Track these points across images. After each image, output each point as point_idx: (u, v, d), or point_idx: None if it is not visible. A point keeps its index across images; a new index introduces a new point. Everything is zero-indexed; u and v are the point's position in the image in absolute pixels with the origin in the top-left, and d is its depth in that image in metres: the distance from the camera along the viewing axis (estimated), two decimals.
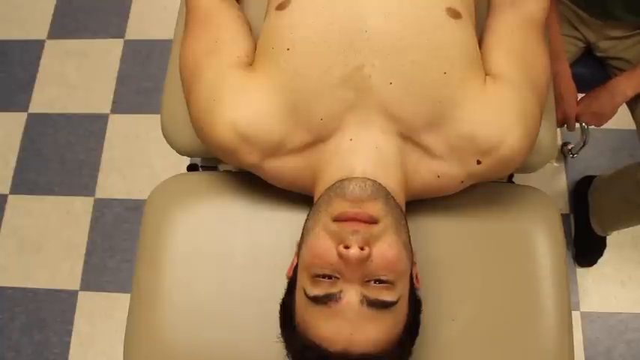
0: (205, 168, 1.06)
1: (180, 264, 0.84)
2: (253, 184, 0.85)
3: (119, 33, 1.83)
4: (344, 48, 0.72)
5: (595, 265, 1.50)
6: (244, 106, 0.75)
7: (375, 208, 0.67)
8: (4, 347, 1.51)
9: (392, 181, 0.73)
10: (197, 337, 0.81)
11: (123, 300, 1.52)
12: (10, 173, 1.69)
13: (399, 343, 0.67)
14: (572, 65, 1.16)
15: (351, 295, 0.64)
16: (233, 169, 0.92)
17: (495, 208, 0.86)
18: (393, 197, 0.71)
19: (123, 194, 1.64)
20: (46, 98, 1.77)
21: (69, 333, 1.51)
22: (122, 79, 1.77)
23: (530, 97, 0.77)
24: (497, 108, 0.74)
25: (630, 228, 1.53)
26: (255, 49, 0.82)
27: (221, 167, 1.04)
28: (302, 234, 0.72)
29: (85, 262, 1.57)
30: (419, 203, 0.81)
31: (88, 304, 1.53)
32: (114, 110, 1.74)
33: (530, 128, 0.75)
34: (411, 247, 0.72)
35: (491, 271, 0.83)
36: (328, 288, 0.64)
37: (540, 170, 0.91)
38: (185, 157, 0.98)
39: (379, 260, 0.65)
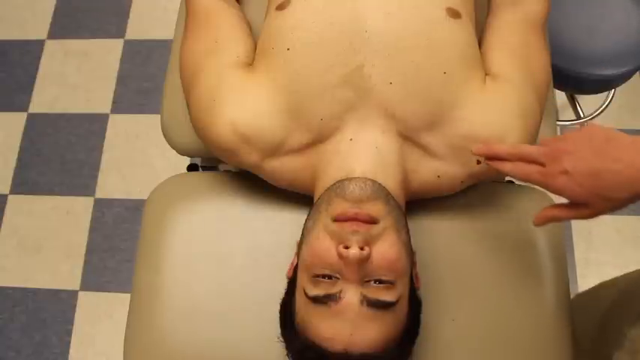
0: (205, 168, 1.06)
1: (180, 264, 0.84)
2: (253, 184, 0.85)
3: (119, 33, 1.83)
4: (344, 48, 0.72)
5: (595, 266, 1.50)
6: (244, 106, 0.75)
7: (375, 208, 0.67)
8: (4, 347, 1.51)
9: (392, 181, 0.73)
10: (197, 337, 0.81)
11: (123, 300, 1.51)
12: (10, 173, 1.69)
13: (399, 343, 0.67)
14: None
15: (351, 295, 0.64)
16: (233, 169, 0.92)
17: (495, 208, 0.86)
18: (393, 197, 0.71)
19: (123, 194, 1.64)
20: (46, 98, 1.77)
21: (69, 333, 1.51)
22: (122, 79, 1.77)
23: (531, 96, 0.77)
24: (497, 108, 0.74)
25: (631, 228, 1.53)
26: (255, 49, 0.82)
27: (221, 167, 1.04)
28: (302, 234, 0.72)
29: (85, 262, 1.57)
30: (419, 203, 0.81)
31: (88, 304, 1.53)
32: (114, 110, 1.74)
33: (530, 128, 0.75)
34: (411, 247, 0.72)
35: (491, 271, 0.83)
36: (328, 288, 0.64)
37: None
38: (185, 157, 0.98)
39: (379, 260, 0.65)
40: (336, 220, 0.66)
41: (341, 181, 0.70)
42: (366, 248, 0.63)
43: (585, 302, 0.99)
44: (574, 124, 1.46)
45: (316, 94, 0.73)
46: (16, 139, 1.73)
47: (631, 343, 0.72)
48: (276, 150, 0.75)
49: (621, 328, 0.78)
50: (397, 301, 0.65)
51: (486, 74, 0.78)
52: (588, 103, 1.45)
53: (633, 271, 0.88)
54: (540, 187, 0.64)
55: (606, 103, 1.43)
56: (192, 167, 1.07)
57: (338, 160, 0.73)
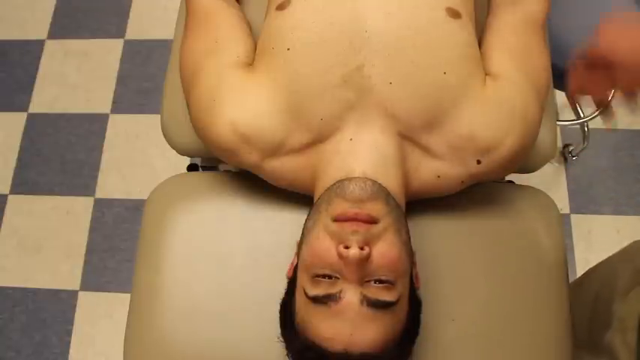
0: (205, 168, 1.06)
1: (180, 264, 0.84)
2: (253, 184, 0.85)
3: (119, 33, 1.83)
4: (344, 48, 0.72)
5: None
6: (244, 106, 0.75)
7: (375, 208, 0.67)
8: (4, 347, 1.51)
9: (392, 181, 0.72)
10: (197, 337, 0.81)
11: (123, 300, 1.51)
12: (10, 173, 1.69)
13: (399, 343, 0.67)
14: None
15: (351, 295, 0.64)
16: (233, 169, 0.92)
17: (495, 208, 0.86)
18: (393, 197, 0.71)
19: (123, 194, 1.64)
20: (46, 98, 1.77)
21: (69, 333, 1.51)
22: (122, 79, 1.77)
23: (531, 96, 0.77)
24: (497, 108, 0.74)
25: (631, 228, 1.52)
26: (255, 49, 0.82)
27: (221, 167, 1.04)
28: (302, 234, 0.72)
29: (85, 262, 1.57)
30: (419, 203, 0.81)
31: (88, 304, 1.53)
32: (114, 110, 1.74)
33: (530, 128, 0.75)
34: (411, 247, 0.72)
35: (491, 271, 0.83)
36: (328, 288, 0.64)
37: (540, 170, 0.91)
38: (185, 157, 0.98)
39: (379, 260, 0.65)
40: (336, 220, 0.66)
41: (341, 181, 0.70)
42: (366, 248, 0.63)
43: (576, 291, 0.99)
44: (574, 124, 1.46)
45: (316, 94, 0.73)
46: (16, 139, 1.73)
47: (620, 321, 0.72)
48: (276, 150, 0.75)
49: (610, 307, 0.79)
50: (397, 301, 0.65)
51: (486, 74, 0.78)
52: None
53: (617, 252, 0.89)
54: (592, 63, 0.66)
55: None
56: (192, 167, 1.07)
57: (338, 160, 0.73)
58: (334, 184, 0.71)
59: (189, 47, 0.84)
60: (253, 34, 0.86)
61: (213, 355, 0.80)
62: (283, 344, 0.71)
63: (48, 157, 1.70)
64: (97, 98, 1.76)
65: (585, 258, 1.51)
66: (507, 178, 0.97)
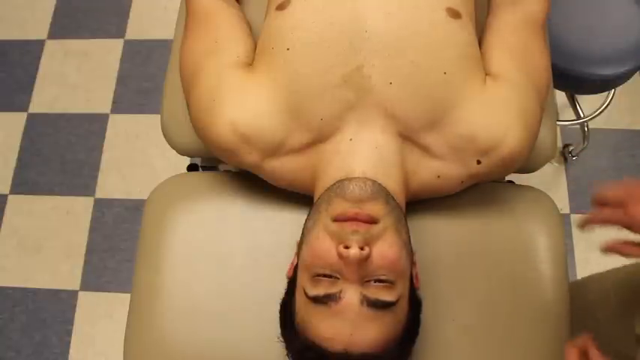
0: (205, 168, 1.06)
1: (180, 264, 0.84)
2: (253, 184, 0.85)
3: (119, 33, 1.83)
4: (344, 48, 0.72)
5: (595, 266, 1.49)
6: (244, 106, 0.75)
7: (375, 208, 0.67)
8: (4, 347, 1.51)
9: (392, 181, 0.73)
10: (197, 337, 0.81)
11: (123, 300, 1.51)
12: (10, 173, 1.69)
13: (399, 343, 0.67)
14: None
15: (351, 295, 0.64)
16: (233, 169, 0.92)
17: (495, 208, 0.86)
18: (393, 197, 0.71)
19: (123, 194, 1.64)
20: (46, 98, 1.77)
21: (69, 333, 1.51)
22: (122, 79, 1.77)
23: (531, 96, 0.77)
24: (497, 108, 0.74)
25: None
26: (255, 49, 0.82)
27: (221, 167, 1.04)
28: (302, 234, 0.72)
29: (85, 262, 1.57)
30: (419, 203, 0.81)
31: (88, 304, 1.53)
32: (114, 110, 1.74)
33: (530, 128, 0.75)
34: (411, 247, 0.72)
35: (491, 271, 0.83)
36: (328, 288, 0.64)
37: (540, 170, 0.91)
38: (185, 157, 0.98)
39: (379, 260, 0.65)
40: (336, 220, 0.66)
41: (341, 181, 0.70)
42: (366, 248, 0.63)
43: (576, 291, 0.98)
44: (574, 124, 1.46)
45: (316, 94, 0.73)
46: (16, 139, 1.73)
47: None
48: (276, 150, 0.75)
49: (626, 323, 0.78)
50: (397, 301, 0.65)
51: (486, 74, 0.78)
52: (588, 103, 1.45)
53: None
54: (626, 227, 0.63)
55: (606, 103, 1.43)
56: (192, 167, 1.07)
57: (338, 160, 0.73)
58: (334, 184, 0.71)
59: (189, 47, 0.84)
60: (253, 34, 0.86)
61: (213, 355, 0.80)
62: (283, 344, 0.71)
63: (48, 157, 1.70)
64: (97, 98, 1.76)
65: (585, 258, 1.52)
66: (507, 178, 0.97)
